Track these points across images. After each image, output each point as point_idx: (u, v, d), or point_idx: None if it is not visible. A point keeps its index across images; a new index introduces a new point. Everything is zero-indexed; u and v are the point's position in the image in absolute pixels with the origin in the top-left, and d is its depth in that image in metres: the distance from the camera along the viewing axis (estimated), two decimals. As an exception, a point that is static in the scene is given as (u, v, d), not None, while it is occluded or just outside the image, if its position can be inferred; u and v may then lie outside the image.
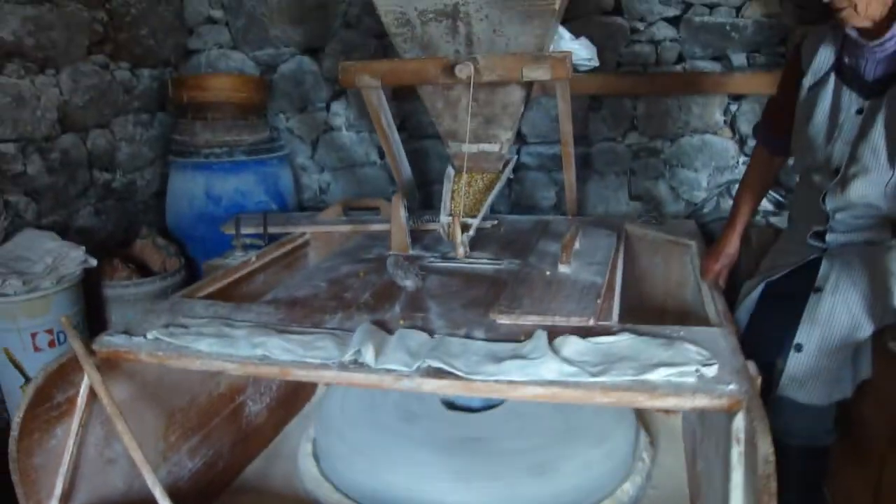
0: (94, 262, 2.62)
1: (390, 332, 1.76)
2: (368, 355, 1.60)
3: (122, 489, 1.87)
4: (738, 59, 2.95)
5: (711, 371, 1.47)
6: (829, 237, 1.87)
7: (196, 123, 3.16)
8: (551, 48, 2.72)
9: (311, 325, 1.85)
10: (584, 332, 1.68)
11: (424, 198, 3.35)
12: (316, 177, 3.63)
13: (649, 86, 2.89)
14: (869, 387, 1.69)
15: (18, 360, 2.41)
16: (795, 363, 1.73)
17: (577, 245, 2.34)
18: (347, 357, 1.63)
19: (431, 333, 1.74)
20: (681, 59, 3.01)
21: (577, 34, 2.91)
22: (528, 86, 2.56)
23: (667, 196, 3.17)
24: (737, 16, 2.91)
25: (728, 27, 2.92)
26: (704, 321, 1.95)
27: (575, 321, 1.77)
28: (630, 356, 1.55)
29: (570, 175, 2.77)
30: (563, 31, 2.76)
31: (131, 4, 3.20)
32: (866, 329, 1.70)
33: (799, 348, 1.73)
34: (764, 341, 1.84)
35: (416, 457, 2.03)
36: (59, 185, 2.89)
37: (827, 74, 1.88)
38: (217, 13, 3.50)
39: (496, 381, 1.51)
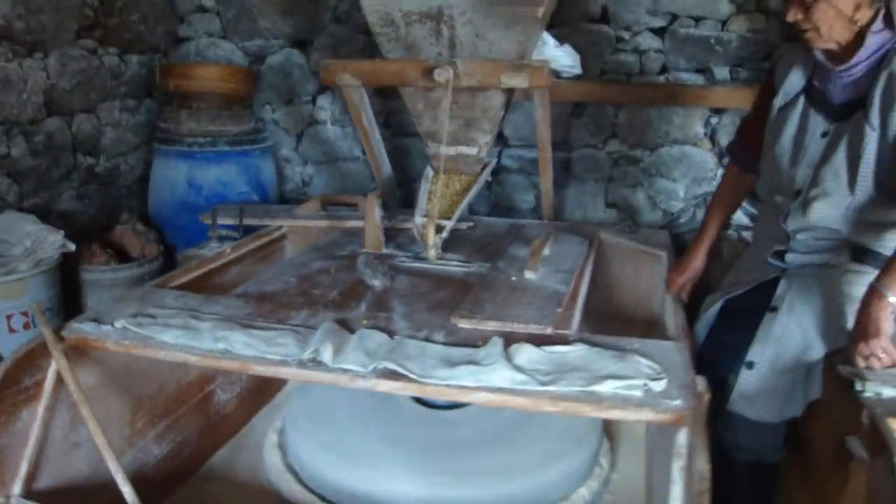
0: (72, 247, 2.64)
1: (352, 331, 1.79)
2: (326, 354, 1.64)
3: (87, 473, 1.90)
4: (722, 72, 2.97)
5: (659, 385, 1.51)
6: (788, 257, 1.89)
7: (181, 112, 3.18)
8: (535, 54, 2.75)
9: (277, 321, 1.88)
10: (541, 340, 1.71)
11: (406, 195, 3.37)
12: (299, 169, 3.65)
13: (631, 96, 2.92)
14: (819, 407, 1.72)
15: (-12, 341, 2.44)
16: (746, 380, 1.76)
17: (546, 251, 2.38)
18: (306, 355, 1.66)
19: (392, 335, 1.78)
20: (664, 69, 3.04)
21: (562, 41, 2.93)
22: (509, 90, 2.58)
23: (644, 205, 3.20)
24: (722, 29, 2.94)
25: (713, 40, 2.95)
26: (667, 333, 1.99)
27: (533, 328, 1.80)
28: (581, 367, 1.59)
29: (546, 180, 2.80)
30: (547, 37, 2.77)
31: (123, -10, 3.21)
32: (818, 350, 1.73)
33: (751, 366, 1.76)
34: (719, 357, 1.87)
35: (379, 452, 2.05)
36: (42, 168, 2.90)
37: (797, 96, 1.90)
38: (208, 2, 3.52)
39: (448, 386, 1.54)
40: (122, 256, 3.01)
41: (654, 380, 1.52)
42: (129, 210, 3.28)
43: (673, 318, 2.00)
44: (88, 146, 3.14)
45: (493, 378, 1.53)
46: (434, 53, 2.52)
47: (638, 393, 1.48)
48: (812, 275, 1.83)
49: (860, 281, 1.72)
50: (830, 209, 1.78)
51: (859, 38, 1.71)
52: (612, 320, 2.80)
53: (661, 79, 3.04)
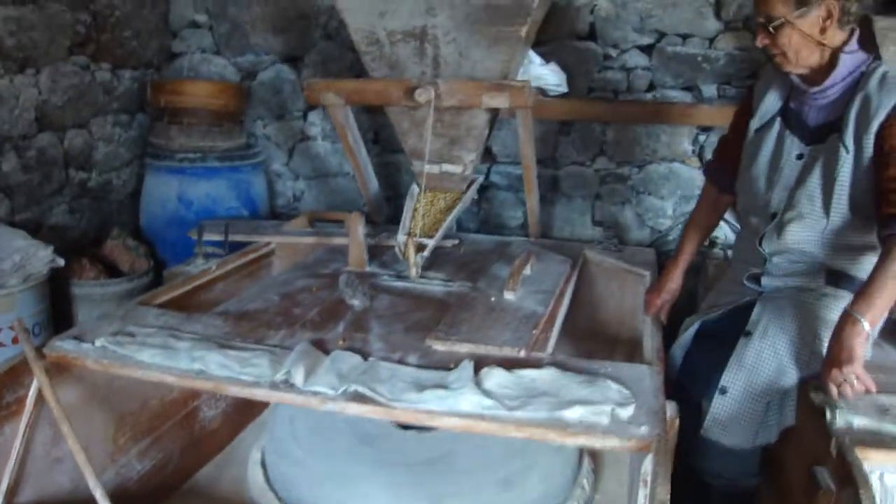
0: (61, 262, 2.66)
1: (328, 352, 1.81)
2: (298, 376, 1.65)
3: (69, 487, 1.92)
4: (709, 90, 2.98)
5: (627, 412, 1.51)
6: (764, 280, 1.90)
7: (172, 127, 3.20)
8: (520, 72, 2.77)
9: (255, 341, 1.90)
10: (513, 364, 1.73)
11: (395, 211, 3.38)
12: (290, 184, 3.67)
13: (617, 114, 2.93)
14: (792, 433, 1.72)
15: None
16: (720, 406, 1.76)
17: (527, 270, 2.38)
18: (279, 377, 1.67)
19: (366, 356, 1.79)
20: (652, 87, 3.05)
21: (549, 59, 2.95)
22: (494, 109, 2.60)
23: (632, 222, 3.21)
24: (709, 47, 2.95)
25: (700, 58, 2.96)
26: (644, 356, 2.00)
27: (507, 351, 1.81)
28: (550, 392, 1.59)
29: (531, 199, 2.81)
30: (533, 55, 2.80)
31: (116, 6, 3.24)
32: (792, 376, 1.72)
33: (724, 391, 1.76)
34: (694, 381, 1.87)
35: (358, 471, 2.05)
36: (34, 183, 2.93)
37: (773, 118, 1.91)
38: (201, 18, 3.55)
39: (416, 410, 1.56)
40: (113, 271, 3.03)
41: (622, 405, 1.52)
42: (121, 225, 3.30)
43: (650, 340, 2.00)
44: (80, 161, 3.16)
45: (461, 403, 1.54)
46: (418, 72, 2.54)
47: (605, 419, 1.49)
48: (787, 298, 1.83)
49: (835, 305, 1.73)
50: (805, 232, 1.79)
51: (833, 60, 1.72)
52: (596, 340, 2.81)
53: (649, 96, 3.04)
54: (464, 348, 1.84)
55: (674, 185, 3.11)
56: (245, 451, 2.50)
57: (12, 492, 1.78)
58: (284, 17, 3.39)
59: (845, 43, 1.72)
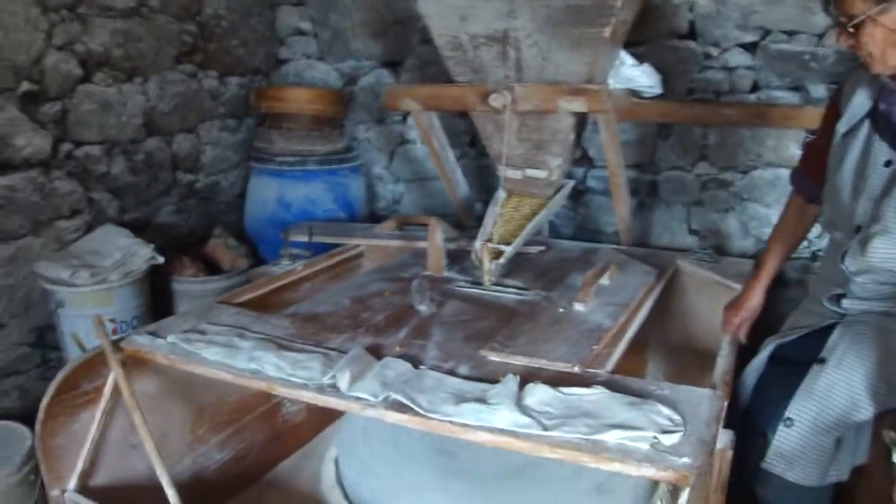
0: (161, 260, 2.82)
1: (381, 357, 1.81)
2: (343, 381, 1.66)
3: (145, 473, 1.99)
4: (817, 90, 2.74)
5: (671, 439, 1.41)
6: (846, 303, 1.72)
7: (273, 132, 3.32)
8: (612, 74, 2.66)
9: (315, 343, 1.93)
10: (564, 379, 1.67)
11: (488, 215, 3.36)
12: (391, 187, 3.72)
13: (715, 116, 2.74)
14: (865, 471, 1.55)
15: (84, 344, 2.65)
16: (784, 439, 1.61)
17: (605, 280, 2.29)
18: (326, 380, 1.69)
19: (418, 364, 1.78)
20: (756, 87, 2.84)
21: (646, 59, 2.82)
22: (582, 112, 2.51)
23: (735, 231, 3.00)
24: (817, 44, 2.71)
25: (807, 56, 2.72)
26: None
27: (560, 366, 1.75)
28: (593, 412, 1.52)
29: (620, 207, 2.70)
30: (625, 56, 2.68)
31: (222, 17, 3.40)
32: (866, 411, 1.55)
33: (789, 423, 1.60)
34: (762, 408, 1.73)
35: (428, 482, 2.03)
36: (142, 185, 3.12)
37: (861, 121, 1.72)
38: (306, 25, 3.66)
39: (451, 423, 1.53)
40: (215, 268, 3.19)
41: (668, 432, 1.43)
42: (227, 224, 3.47)
43: (721, 361, 1.86)
44: (188, 164, 3.34)
45: (495, 419, 1.50)
46: (501, 76, 2.50)
47: (644, 445, 1.40)
48: (870, 324, 1.64)
49: None
50: (892, 249, 1.60)
51: None
52: (688, 354, 2.68)
53: (752, 97, 2.84)
54: (518, 360, 1.79)
55: (780, 193, 2.88)
56: (326, 446, 2.57)
57: (87, 474, 1.90)
58: (382, 22, 3.43)
59: None
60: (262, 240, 3.38)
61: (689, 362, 2.64)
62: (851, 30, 1.52)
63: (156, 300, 2.97)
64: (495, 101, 2.31)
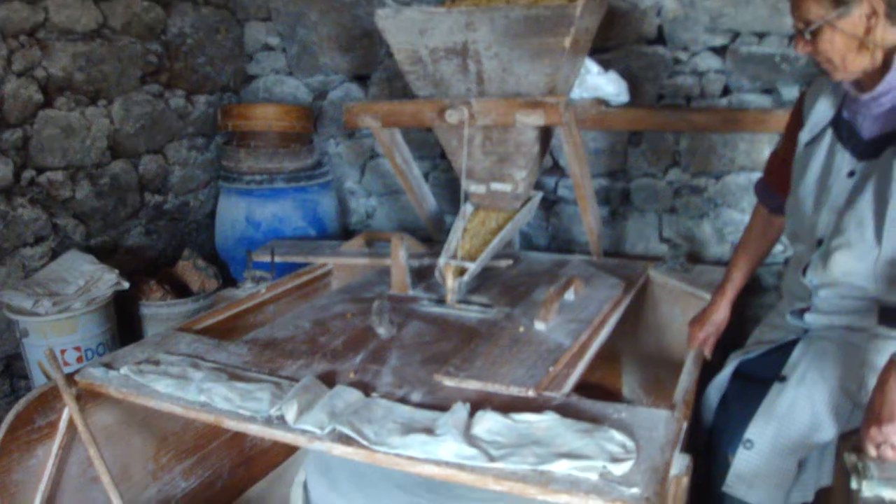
0: (126, 285, 2.77)
1: (335, 384, 1.77)
2: (290, 413, 1.61)
3: None
4: (790, 92, 2.70)
5: (621, 468, 1.36)
6: (808, 317, 1.65)
7: (240, 150, 3.27)
8: (576, 83, 2.62)
9: (269, 372, 1.89)
10: (518, 404, 1.62)
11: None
12: (363, 201, 3.68)
13: (684, 122, 2.69)
14: (830, 495, 1.49)
15: (50, 373, 2.60)
16: (744, 461, 1.54)
17: (570, 296, 2.24)
18: (273, 411, 1.65)
19: (370, 391, 1.73)
20: (727, 91, 2.80)
21: (614, 65, 2.79)
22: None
23: (710, 237, 2.96)
24: (788, 45, 2.66)
25: (778, 58, 2.68)
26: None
27: (514, 390, 1.70)
28: (543, 440, 1.46)
29: (588, 218, 2.64)
30: (590, 64, 2.64)
31: (188, 35, 3.36)
32: (828, 430, 1.49)
33: (749, 445, 1.54)
34: (723, 428, 1.67)
35: (382, 496, 1.98)
36: (109, 208, 3.07)
37: (824, 129, 1.67)
38: (274, 40, 3.62)
39: (398, 455, 1.48)
40: (184, 291, 3.15)
41: (619, 461, 1.37)
42: (198, 245, 3.43)
43: (684, 378, 1.81)
44: (156, 184, 3.30)
45: (440, 451, 1.44)
46: (463, 89, 2.46)
47: (593, 476, 1.35)
48: (833, 339, 1.59)
49: (887, 348, 1.46)
50: (854, 262, 1.54)
51: (888, 62, 1.47)
52: (662, 365, 2.62)
53: (724, 101, 2.79)
54: (472, 385, 1.74)
55: (754, 197, 2.82)
56: (297, 469, 2.52)
57: (45, 509, 1.86)
58: (349, 36, 3.39)
59: None
60: (233, 260, 3.34)
61: (664, 373, 2.58)
62: (809, 36, 1.47)
63: (125, 325, 2.93)
64: (451, 117, 2.27)
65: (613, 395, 2.82)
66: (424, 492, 1.95)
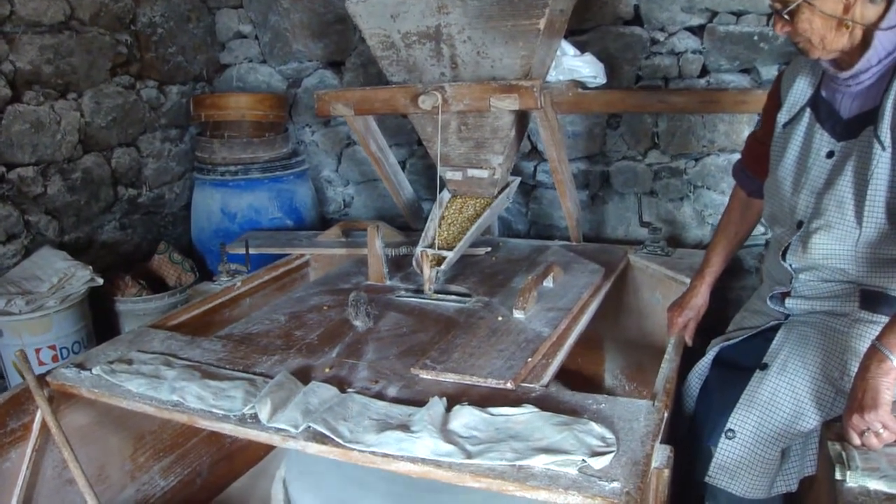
0: (100, 281, 2.72)
1: (310, 380, 1.73)
2: (264, 412, 1.58)
3: None
4: (769, 71, 2.67)
5: (601, 462, 1.33)
6: (789, 302, 1.63)
7: (214, 141, 3.22)
8: (552, 66, 2.58)
9: (243, 368, 1.85)
10: (495, 398, 1.60)
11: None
12: (340, 190, 3.63)
13: (661, 104, 2.65)
14: (814, 483, 1.48)
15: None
16: (726, 451, 1.52)
17: (549, 283, 2.22)
18: (247, 410, 1.62)
19: (345, 387, 1.70)
20: (705, 71, 2.76)
21: (591, 46, 2.74)
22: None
23: (691, 220, 2.93)
24: (767, 24, 2.62)
25: (756, 37, 2.64)
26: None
27: (492, 383, 1.67)
28: (521, 435, 1.44)
29: (566, 202, 2.61)
30: (566, 46, 2.60)
31: (158, 24, 3.28)
32: (812, 419, 1.47)
33: (731, 435, 1.51)
34: (705, 418, 1.65)
35: (362, 491, 1.96)
36: (81, 203, 3.01)
37: (802, 109, 1.64)
38: (246, 28, 3.55)
39: (373, 453, 1.45)
40: (160, 285, 3.09)
41: (598, 455, 1.35)
42: (174, 238, 3.36)
43: (666, 367, 1.78)
44: (130, 178, 3.23)
45: (416, 448, 1.41)
46: (437, 74, 2.41)
47: (572, 470, 1.32)
48: (814, 325, 1.56)
49: (869, 333, 1.46)
50: (834, 245, 1.52)
51: (867, 40, 1.44)
52: (645, 351, 2.60)
53: (702, 82, 2.76)
54: (449, 378, 1.71)
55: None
56: (278, 464, 2.49)
57: (21, 513, 1.82)
58: (322, 21, 3.33)
59: (881, 18, 1.42)
60: (210, 253, 3.29)
61: (646, 358, 2.57)
62: (787, 17, 1.44)
63: (101, 322, 2.87)
64: (424, 103, 2.22)
65: (595, 382, 2.81)
66: (405, 483, 1.93)
